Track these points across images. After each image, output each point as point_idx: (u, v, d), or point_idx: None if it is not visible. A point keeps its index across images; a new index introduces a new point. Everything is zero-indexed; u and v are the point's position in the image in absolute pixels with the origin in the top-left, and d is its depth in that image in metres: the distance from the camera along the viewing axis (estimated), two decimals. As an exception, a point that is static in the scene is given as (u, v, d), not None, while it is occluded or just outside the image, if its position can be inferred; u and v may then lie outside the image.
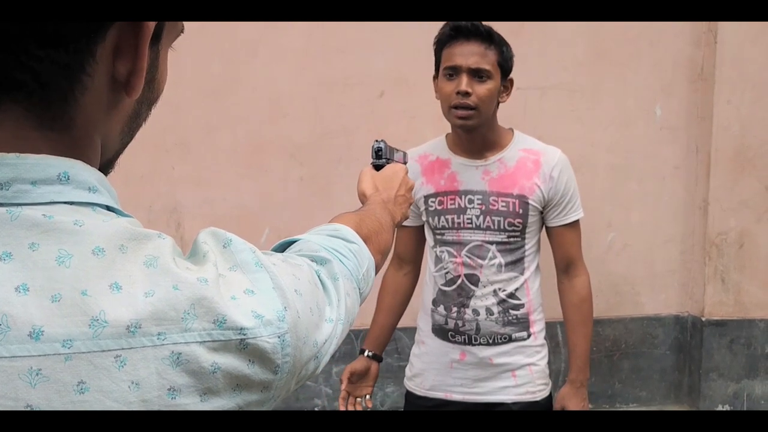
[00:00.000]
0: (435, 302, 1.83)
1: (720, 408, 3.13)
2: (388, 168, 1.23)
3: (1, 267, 0.44)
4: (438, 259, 1.82)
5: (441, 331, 1.83)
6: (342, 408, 1.83)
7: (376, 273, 0.88)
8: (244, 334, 0.49)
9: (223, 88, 2.84)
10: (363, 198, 1.15)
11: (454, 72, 1.67)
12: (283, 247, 0.77)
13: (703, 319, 3.12)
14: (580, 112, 3.07)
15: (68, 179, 0.48)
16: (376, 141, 1.31)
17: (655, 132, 3.13)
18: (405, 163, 1.37)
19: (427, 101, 3.03)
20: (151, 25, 0.49)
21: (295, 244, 0.76)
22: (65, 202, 0.48)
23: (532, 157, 1.79)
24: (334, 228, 0.82)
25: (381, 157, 1.28)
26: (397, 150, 1.41)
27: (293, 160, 2.93)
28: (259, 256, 0.55)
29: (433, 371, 1.85)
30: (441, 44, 1.71)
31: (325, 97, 2.89)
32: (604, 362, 3.23)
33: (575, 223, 1.83)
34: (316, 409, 2.99)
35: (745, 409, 3.14)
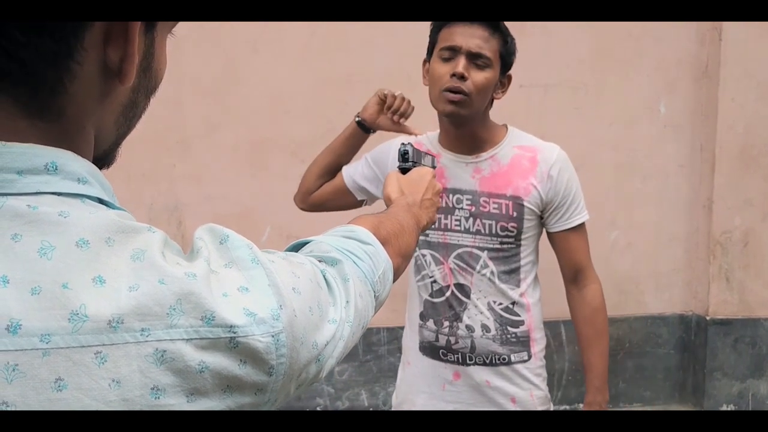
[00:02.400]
0: (423, 316, 1.65)
1: (725, 408, 3.11)
2: (414, 171, 1.21)
3: None
4: (420, 267, 1.64)
5: (431, 349, 1.64)
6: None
7: (397, 277, 0.85)
8: (234, 332, 0.47)
9: (224, 86, 2.83)
10: (388, 201, 1.12)
11: (451, 53, 1.50)
12: (296, 248, 0.74)
13: (708, 318, 3.10)
14: (583, 110, 3.06)
15: (56, 169, 0.46)
16: (403, 144, 1.28)
17: (659, 130, 3.11)
18: (434, 167, 1.35)
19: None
20: None
21: (307, 245, 0.74)
22: (52, 193, 0.46)
23: (528, 155, 1.61)
24: (350, 229, 0.79)
25: (407, 160, 1.26)
26: (426, 153, 1.38)
27: (294, 158, 2.91)
28: (256, 252, 0.53)
29: (423, 395, 1.66)
30: (439, 24, 1.55)
31: (326, 94, 2.87)
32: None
33: (581, 227, 1.66)
34: (318, 408, 2.98)
35: (750, 408, 3.12)
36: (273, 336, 0.49)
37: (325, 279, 0.64)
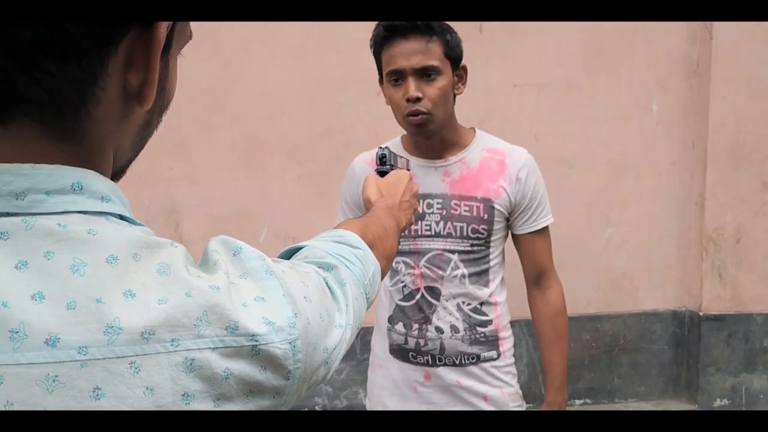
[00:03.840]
0: (392, 320, 1.66)
1: (718, 402, 3.15)
2: (392, 174, 1.23)
3: (17, 275, 0.44)
4: (394, 272, 1.65)
5: (400, 352, 1.65)
6: None
7: (382, 278, 0.88)
8: (256, 341, 0.50)
9: (220, 88, 2.84)
10: (368, 204, 1.15)
11: (398, 76, 1.50)
12: (289, 254, 0.77)
13: (701, 313, 3.14)
14: (576, 109, 3.08)
15: (81, 189, 0.49)
16: (380, 148, 1.31)
17: (652, 128, 3.15)
18: (408, 169, 1.38)
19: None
20: (162, 36, 0.50)
21: (301, 251, 0.76)
22: (79, 212, 0.48)
23: (497, 158, 1.61)
24: (339, 234, 0.82)
25: (385, 164, 1.29)
26: (401, 157, 1.41)
27: (291, 159, 2.93)
28: (269, 263, 0.55)
29: (395, 397, 1.66)
30: (378, 47, 1.55)
31: (322, 95, 2.89)
32: (603, 358, 3.24)
33: (545, 230, 1.67)
34: (316, 408, 3.00)
35: (743, 403, 3.16)
36: (290, 343, 0.52)
37: (328, 286, 0.67)
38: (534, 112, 3.05)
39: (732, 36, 3.00)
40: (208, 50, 2.78)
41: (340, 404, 3.01)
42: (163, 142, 2.80)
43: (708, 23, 3.02)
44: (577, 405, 3.22)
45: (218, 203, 2.89)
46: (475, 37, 2.86)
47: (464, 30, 2.85)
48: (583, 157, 3.11)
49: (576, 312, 3.18)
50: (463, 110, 3.30)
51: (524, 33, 2.95)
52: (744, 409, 3.15)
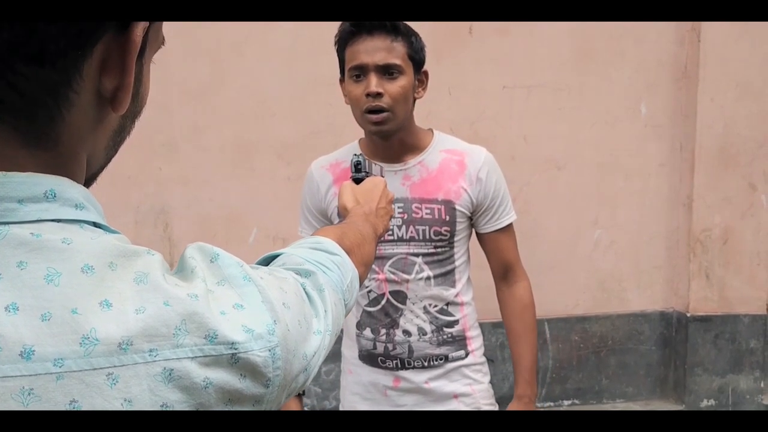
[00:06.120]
0: (360, 325, 1.66)
1: (705, 402, 3.17)
2: (368, 181, 1.24)
3: None
4: None
5: (369, 357, 1.65)
6: None
7: (360, 284, 0.88)
8: (236, 349, 0.49)
9: (210, 88, 2.83)
10: (344, 211, 1.15)
11: (360, 72, 1.50)
12: (266, 261, 0.76)
13: (688, 314, 3.16)
14: (566, 111, 3.10)
15: (55, 197, 0.47)
16: (355, 155, 1.33)
17: (640, 130, 3.16)
18: (382, 176, 1.39)
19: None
20: (138, 39, 0.49)
21: (278, 258, 0.76)
22: (52, 220, 0.47)
23: (456, 158, 1.61)
24: (317, 241, 0.82)
25: (360, 171, 1.31)
26: (375, 164, 1.42)
27: (280, 160, 2.93)
28: (247, 269, 0.55)
29: (366, 402, 1.68)
30: (342, 43, 1.54)
31: (312, 96, 2.89)
32: (591, 358, 3.26)
33: (509, 227, 1.68)
34: (305, 408, 3.00)
35: (729, 403, 3.18)
36: (270, 350, 0.51)
37: (306, 292, 0.66)
38: (523, 113, 3.06)
39: (720, 39, 3.02)
40: (198, 51, 2.78)
41: (329, 405, 3.01)
42: (153, 142, 2.81)
43: (696, 26, 3.04)
44: (566, 405, 3.23)
45: (208, 204, 2.88)
46: (465, 38, 2.87)
47: (454, 32, 2.88)
48: (572, 159, 3.12)
49: (564, 313, 3.20)
50: (453, 112, 3.31)
51: (514, 35, 2.96)
52: (730, 409, 3.17)
